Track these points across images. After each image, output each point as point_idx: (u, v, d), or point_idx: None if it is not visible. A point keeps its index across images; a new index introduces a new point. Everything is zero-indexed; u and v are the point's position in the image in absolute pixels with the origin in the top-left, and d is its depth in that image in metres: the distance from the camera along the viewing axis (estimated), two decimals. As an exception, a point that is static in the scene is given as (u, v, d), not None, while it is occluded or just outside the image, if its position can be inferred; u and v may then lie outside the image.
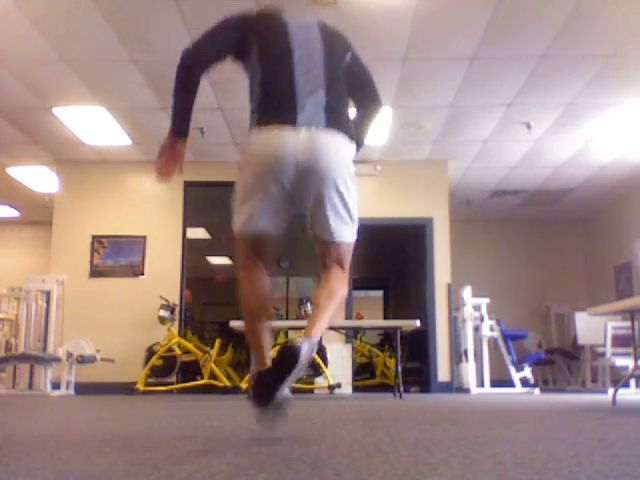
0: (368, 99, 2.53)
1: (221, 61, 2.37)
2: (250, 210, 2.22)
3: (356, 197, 2.34)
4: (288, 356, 1.96)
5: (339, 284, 2.30)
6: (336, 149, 2.22)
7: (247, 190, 2.23)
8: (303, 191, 2.21)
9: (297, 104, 2.19)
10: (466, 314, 8.14)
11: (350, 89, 2.44)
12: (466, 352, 8.01)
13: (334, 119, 2.23)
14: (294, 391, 7.64)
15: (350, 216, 2.31)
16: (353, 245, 2.38)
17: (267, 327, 2.30)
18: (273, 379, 1.98)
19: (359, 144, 2.44)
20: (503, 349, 8.36)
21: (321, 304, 2.21)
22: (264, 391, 2.00)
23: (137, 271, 8.36)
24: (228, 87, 6.28)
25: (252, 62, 2.31)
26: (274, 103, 2.23)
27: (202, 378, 7.53)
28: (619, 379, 7.04)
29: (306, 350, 1.98)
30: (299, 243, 4.84)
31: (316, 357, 7.29)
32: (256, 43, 2.31)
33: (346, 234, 2.32)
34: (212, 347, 7.76)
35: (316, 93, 2.23)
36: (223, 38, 2.35)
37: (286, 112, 2.18)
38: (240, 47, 2.33)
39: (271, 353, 2.27)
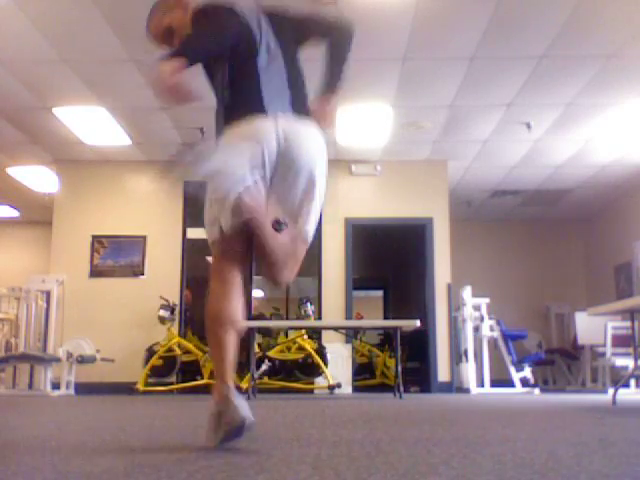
0: (333, 34, 2.35)
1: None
2: (238, 167, 1.99)
3: (323, 195, 2.19)
4: None
5: None
6: (315, 138, 2.15)
7: (232, 147, 2.05)
8: (280, 178, 2.08)
9: (264, 100, 2.12)
10: (466, 314, 8.14)
11: (314, 37, 2.36)
12: (466, 352, 8.01)
13: (301, 109, 2.17)
14: (293, 391, 7.61)
15: (318, 213, 2.18)
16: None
17: (235, 341, 2.06)
18: None
19: (337, 81, 2.29)
20: (503, 349, 8.35)
21: None
22: None
23: (137, 271, 8.36)
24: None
25: (221, 62, 2.20)
26: (244, 102, 2.15)
27: (202, 378, 7.52)
28: (619, 379, 7.04)
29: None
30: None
31: (316, 357, 7.29)
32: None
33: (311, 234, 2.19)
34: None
35: (282, 88, 2.17)
36: (232, 32, 2.15)
37: (258, 106, 2.11)
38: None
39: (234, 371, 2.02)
